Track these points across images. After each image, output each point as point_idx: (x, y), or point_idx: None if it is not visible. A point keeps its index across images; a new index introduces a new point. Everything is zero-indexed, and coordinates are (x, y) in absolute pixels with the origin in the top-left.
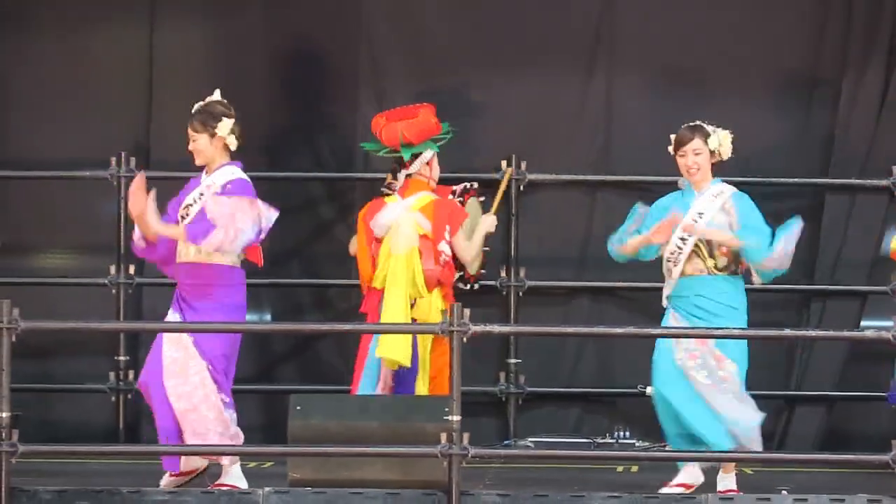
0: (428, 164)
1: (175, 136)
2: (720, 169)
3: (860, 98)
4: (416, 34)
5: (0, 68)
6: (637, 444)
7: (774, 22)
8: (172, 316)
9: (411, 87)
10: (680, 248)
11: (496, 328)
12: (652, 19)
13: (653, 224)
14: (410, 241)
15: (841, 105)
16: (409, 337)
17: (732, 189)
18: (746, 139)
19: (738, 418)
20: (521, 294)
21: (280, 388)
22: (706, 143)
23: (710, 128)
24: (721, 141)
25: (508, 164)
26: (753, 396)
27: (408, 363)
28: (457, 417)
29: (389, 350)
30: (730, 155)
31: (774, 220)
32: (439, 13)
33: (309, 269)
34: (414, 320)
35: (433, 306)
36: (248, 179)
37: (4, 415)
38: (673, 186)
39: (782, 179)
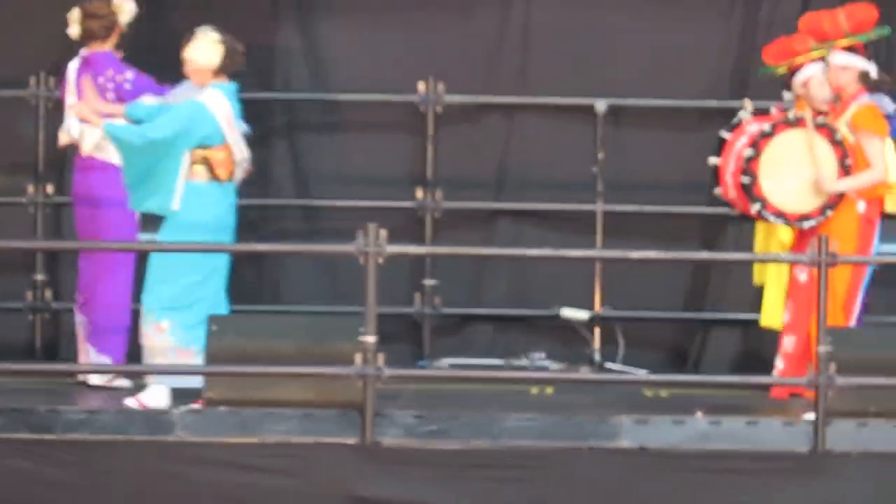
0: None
1: None
2: (648, 89)
3: (778, 19)
4: None
5: None
6: (552, 366)
7: None
8: None
9: (332, 8)
10: None
11: (412, 249)
12: None
13: None
14: None
15: (759, 25)
16: None
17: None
18: (662, 61)
19: None
20: (437, 216)
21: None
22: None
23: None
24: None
25: (426, 86)
26: (669, 320)
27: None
28: (372, 338)
29: None
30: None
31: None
32: None
33: None
34: None
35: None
36: None
37: None
38: (589, 109)
39: (700, 103)
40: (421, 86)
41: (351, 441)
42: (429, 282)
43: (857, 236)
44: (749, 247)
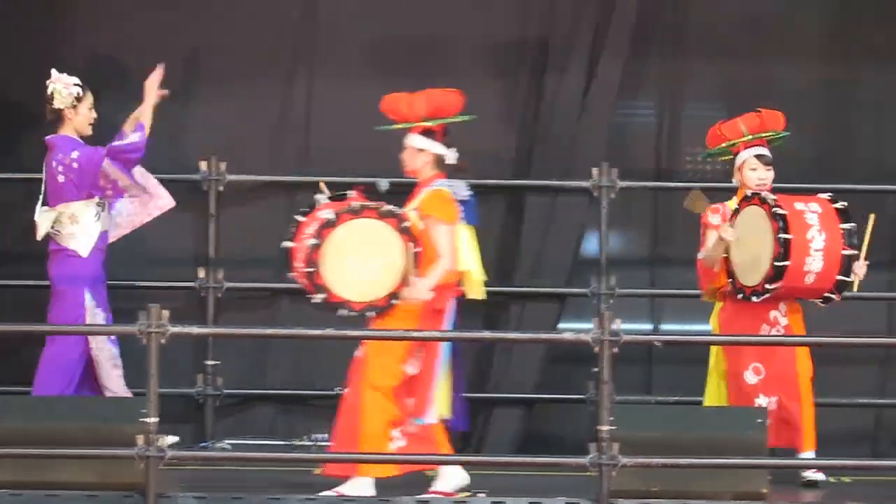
0: None
1: None
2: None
3: (562, 98)
4: (121, 36)
5: None
6: None
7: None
8: None
9: (118, 87)
10: None
11: (194, 329)
12: (353, 13)
13: None
14: None
15: (542, 105)
16: None
17: None
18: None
19: None
20: (219, 296)
21: None
22: None
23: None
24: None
25: (208, 165)
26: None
27: None
28: (154, 419)
29: None
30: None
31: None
32: (145, 18)
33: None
34: None
35: None
36: None
37: None
38: (372, 187)
39: (482, 181)
40: (203, 164)
41: None
42: (211, 362)
43: (420, 325)
44: (532, 324)
